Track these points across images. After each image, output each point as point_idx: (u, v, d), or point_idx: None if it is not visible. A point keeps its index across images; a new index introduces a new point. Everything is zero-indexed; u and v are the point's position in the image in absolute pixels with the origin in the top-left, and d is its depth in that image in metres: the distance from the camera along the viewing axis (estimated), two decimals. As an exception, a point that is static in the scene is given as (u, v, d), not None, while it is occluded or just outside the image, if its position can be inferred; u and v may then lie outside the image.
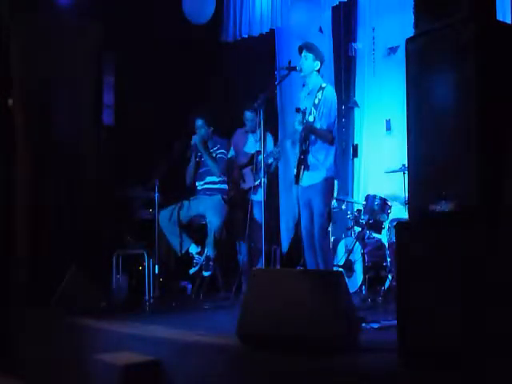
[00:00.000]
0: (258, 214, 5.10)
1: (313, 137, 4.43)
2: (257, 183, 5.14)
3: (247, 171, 5.47)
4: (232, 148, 5.61)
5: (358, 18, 6.62)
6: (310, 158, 4.43)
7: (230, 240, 5.53)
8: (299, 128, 4.37)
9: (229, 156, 5.55)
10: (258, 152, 5.25)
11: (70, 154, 5.28)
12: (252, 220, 5.15)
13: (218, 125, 5.47)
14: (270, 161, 5.32)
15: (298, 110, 4.38)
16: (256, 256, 5.25)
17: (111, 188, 5.45)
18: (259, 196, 5.05)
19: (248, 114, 5.42)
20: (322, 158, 4.44)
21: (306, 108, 4.43)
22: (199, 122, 5.31)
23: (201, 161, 5.39)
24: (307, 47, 4.52)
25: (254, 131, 5.43)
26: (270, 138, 5.56)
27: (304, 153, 4.42)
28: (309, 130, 4.36)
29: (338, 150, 4.71)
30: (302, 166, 4.42)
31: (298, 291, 2.88)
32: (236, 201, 5.43)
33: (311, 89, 4.54)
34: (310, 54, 4.50)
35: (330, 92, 4.51)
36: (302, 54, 4.51)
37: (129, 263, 5.18)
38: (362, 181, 6.58)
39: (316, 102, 4.35)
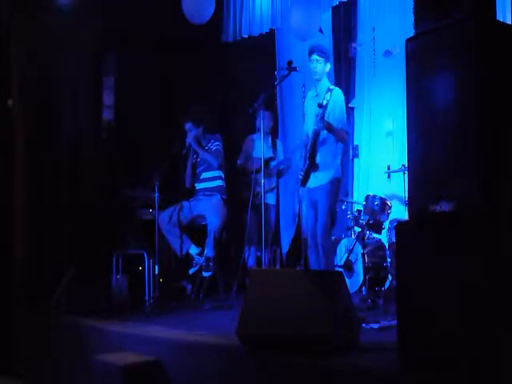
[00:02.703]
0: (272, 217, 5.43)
1: (321, 138, 4.42)
2: (267, 188, 5.16)
3: (258, 177, 5.51)
4: (242, 154, 5.65)
5: (357, 18, 6.62)
6: (318, 159, 4.43)
7: (236, 243, 5.56)
8: (320, 124, 4.29)
9: (238, 162, 5.60)
10: (271, 158, 5.42)
11: (70, 154, 5.28)
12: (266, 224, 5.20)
13: (208, 123, 5.46)
14: (281, 167, 5.40)
15: (320, 105, 4.25)
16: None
17: (111, 188, 5.44)
18: (269, 200, 5.36)
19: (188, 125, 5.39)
20: (329, 159, 4.44)
21: (325, 103, 4.31)
22: (188, 126, 5.33)
23: (197, 161, 5.40)
24: (320, 50, 4.46)
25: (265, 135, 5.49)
26: (280, 145, 5.62)
27: (312, 154, 4.42)
28: (327, 126, 4.31)
29: (344, 151, 4.71)
30: (310, 170, 4.43)
31: (297, 291, 2.88)
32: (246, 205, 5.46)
33: (319, 91, 4.52)
34: (322, 58, 4.45)
35: (339, 94, 4.48)
36: (314, 58, 4.45)
37: (129, 263, 5.17)
38: (362, 181, 6.58)
39: (324, 103, 4.31)
